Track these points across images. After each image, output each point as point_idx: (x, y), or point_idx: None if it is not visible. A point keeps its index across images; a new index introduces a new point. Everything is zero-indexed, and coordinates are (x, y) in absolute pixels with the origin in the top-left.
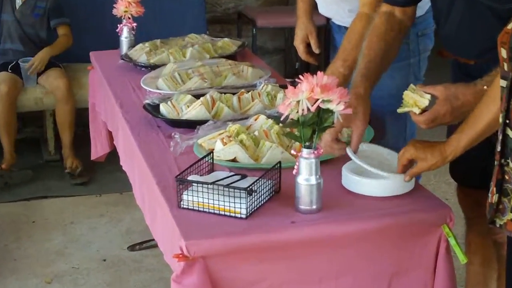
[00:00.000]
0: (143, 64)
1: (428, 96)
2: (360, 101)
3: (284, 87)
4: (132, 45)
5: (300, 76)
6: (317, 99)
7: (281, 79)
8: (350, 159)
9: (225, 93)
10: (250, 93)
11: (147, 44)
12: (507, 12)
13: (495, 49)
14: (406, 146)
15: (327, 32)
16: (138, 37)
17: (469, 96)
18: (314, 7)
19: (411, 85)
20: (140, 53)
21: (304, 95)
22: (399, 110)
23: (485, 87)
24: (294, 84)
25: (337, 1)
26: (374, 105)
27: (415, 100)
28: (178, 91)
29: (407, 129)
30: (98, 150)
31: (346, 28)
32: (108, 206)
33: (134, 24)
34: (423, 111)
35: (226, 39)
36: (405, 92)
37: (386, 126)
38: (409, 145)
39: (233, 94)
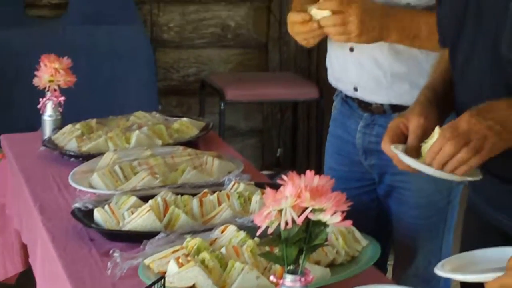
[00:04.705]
0: (72, 153)
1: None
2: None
3: (261, 185)
4: (58, 127)
5: (283, 176)
6: (306, 208)
7: (257, 173)
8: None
9: (182, 194)
10: (215, 194)
11: (78, 125)
12: None
13: None
14: None
15: (319, 110)
16: (66, 116)
17: None
18: None
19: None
20: (69, 138)
21: (288, 202)
22: None
23: None
24: (275, 185)
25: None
26: (403, 215)
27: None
28: (119, 190)
29: (443, 246)
30: (7, 269)
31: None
32: None
33: (62, 98)
34: None
35: (184, 119)
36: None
37: (417, 245)
38: None
39: (193, 195)
